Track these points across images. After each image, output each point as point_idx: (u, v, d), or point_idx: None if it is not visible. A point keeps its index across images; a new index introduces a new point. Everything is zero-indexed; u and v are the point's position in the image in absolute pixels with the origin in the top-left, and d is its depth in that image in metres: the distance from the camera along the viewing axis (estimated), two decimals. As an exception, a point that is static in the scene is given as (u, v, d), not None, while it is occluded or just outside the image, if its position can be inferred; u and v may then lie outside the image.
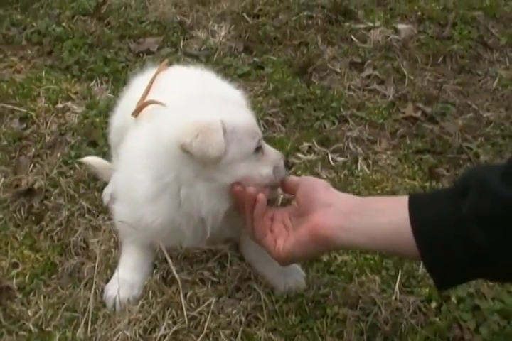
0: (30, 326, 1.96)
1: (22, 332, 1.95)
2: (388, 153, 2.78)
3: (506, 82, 3.38)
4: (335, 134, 2.86)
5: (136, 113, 2.12)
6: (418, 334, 1.99)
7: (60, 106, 2.89)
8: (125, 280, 2.02)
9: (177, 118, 1.88)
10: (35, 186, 2.44)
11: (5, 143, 2.70)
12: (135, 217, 1.95)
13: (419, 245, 1.52)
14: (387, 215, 1.60)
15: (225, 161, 1.83)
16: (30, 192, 2.43)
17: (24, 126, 2.80)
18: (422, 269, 2.17)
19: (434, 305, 2.07)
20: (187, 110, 1.90)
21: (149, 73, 2.34)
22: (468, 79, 3.41)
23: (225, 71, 3.22)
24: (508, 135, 2.94)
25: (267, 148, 1.98)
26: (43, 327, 1.96)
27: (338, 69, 3.33)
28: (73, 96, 2.98)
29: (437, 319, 2.03)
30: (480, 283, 2.11)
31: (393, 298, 2.09)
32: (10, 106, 2.88)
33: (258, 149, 1.91)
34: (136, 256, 2.07)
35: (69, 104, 2.91)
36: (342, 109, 3.00)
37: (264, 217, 1.84)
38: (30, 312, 2.00)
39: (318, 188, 1.79)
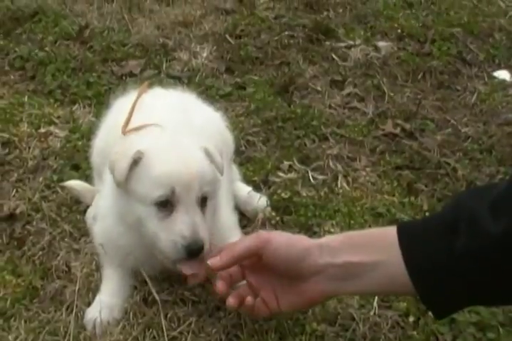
0: (9, 356, 1.97)
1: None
2: (368, 169, 2.82)
3: (484, 97, 3.44)
4: (315, 152, 2.90)
5: (127, 132, 2.09)
6: (398, 348, 2.02)
7: (42, 130, 2.92)
8: (105, 303, 2.04)
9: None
10: (17, 211, 2.46)
11: (-15, 169, 2.72)
12: (108, 238, 2.00)
13: (417, 288, 1.53)
14: (379, 267, 1.57)
15: (127, 193, 1.84)
16: (12, 217, 2.45)
17: (6, 151, 2.81)
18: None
19: (411, 319, 2.10)
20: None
21: (131, 96, 2.37)
22: (447, 94, 3.46)
23: (207, 92, 3.27)
24: (485, 149, 2.97)
25: (186, 217, 1.78)
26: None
27: (319, 88, 3.38)
28: (56, 121, 3.01)
29: (415, 333, 2.06)
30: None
31: (372, 313, 2.12)
32: (-9, 132, 2.91)
33: (164, 206, 1.79)
34: (116, 280, 2.09)
35: (51, 128, 2.94)
36: (322, 127, 3.04)
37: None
38: (10, 338, 2.00)
39: (295, 257, 1.64)
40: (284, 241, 1.66)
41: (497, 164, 2.88)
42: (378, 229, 1.76)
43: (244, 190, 2.55)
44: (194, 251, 1.76)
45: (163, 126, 2.01)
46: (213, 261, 1.66)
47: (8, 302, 2.12)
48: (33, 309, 2.10)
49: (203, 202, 1.83)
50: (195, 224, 1.77)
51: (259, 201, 2.48)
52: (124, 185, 1.82)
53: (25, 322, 2.05)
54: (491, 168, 2.85)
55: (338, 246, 1.62)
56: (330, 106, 3.25)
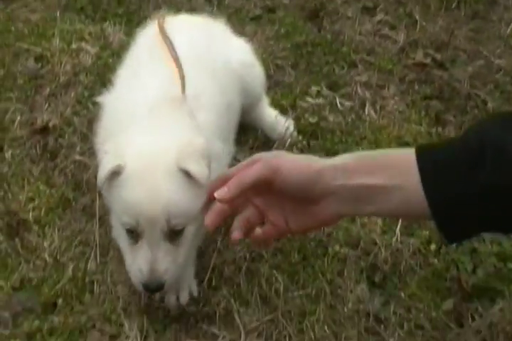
0: (46, 256, 2.06)
1: (38, 262, 2.05)
2: (396, 98, 2.79)
3: (519, 29, 3.36)
4: (344, 79, 2.87)
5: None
6: (416, 274, 2.06)
7: (74, 46, 2.92)
8: None
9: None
10: (50, 124, 2.50)
11: (21, 82, 2.75)
12: None
13: (435, 216, 1.44)
14: (395, 191, 1.46)
15: (106, 194, 1.71)
16: (45, 130, 2.49)
17: (39, 65, 2.84)
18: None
19: (433, 247, 2.13)
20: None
21: (151, 27, 2.20)
22: (481, 25, 3.37)
23: (237, 14, 3.22)
24: (518, 81, 2.94)
25: (147, 250, 1.61)
26: (58, 258, 2.06)
27: (350, 14, 3.31)
28: (87, 37, 3.00)
29: (436, 260, 2.09)
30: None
31: (394, 239, 2.15)
32: (25, 46, 2.92)
33: (131, 234, 1.62)
34: None
35: (83, 44, 2.94)
36: (352, 54, 2.99)
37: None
38: (45, 244, 2.09)
39: (306, 181, 1.50)
40: (294, 166, 1.51)
41: (528, 97, 2.84)
42: (395, 151, 1.66)
43: (271, 114, 2.54)
44: (151, 289, 1.65)
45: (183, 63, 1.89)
46: (221, 193, 1.45)
47: (43, 211, 2.19)
48: (66, 219, 2.17)
49: (174, 234, 1.63)
50: (156, 261, 1.61)
51: (286, 125, 2.47)
52: (105, 191, 1.69)
53: (59, 230, 2.13)
54: (522, 100, 2.82)
55: (353, 168, 1.49)
56: (360, 33, 3.19)
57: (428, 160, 1.50)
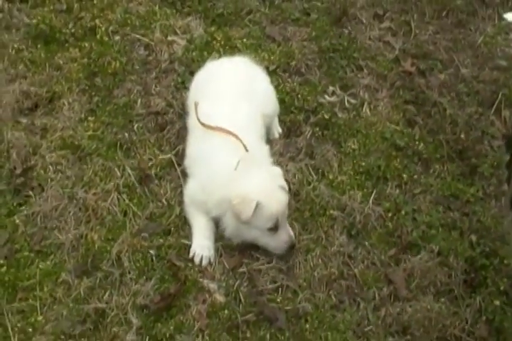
0: (163, 200, 3.38)
1: (158, 204, 3.36)
2: (385, 100, 3.99)
3: (488, 39, 4.43)
4: (352, 81, 4.05)
5: (207, 127, 3.20)
6: (377, 231, 3.40)
7: (169, 38, 4.03)
8: (202, 245, 3.24)
9: (240, 186, 3.01)
10: (159, 108, 3.70)
11: (137, 67, 3.92)
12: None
13: None
14: None
15: (247, 224, 3.02)
16: (156, 112, 3.72)
17: (147, 53, 3.97)
18: (389, 189, 3.57)
19: (390, 214, 3.46)
20: (248, 183, 3.02)
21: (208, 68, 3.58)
22: (460, 34, 4.45)
23: (282, 15, 4.34)
24: (472, 92, 4.09)
25: (284, 230, 3.09)
26: (170, 201, 3.37)
27: (364, 20, 4.40)
28: (178, 31, 4.11)
29: (390, 224, 3.42)
30: (421, 201, 3.51)
31: (367, 207, 3.47)
32: (138, 36, 4.06)
33: (273, 229, 3.04)
34: (204, 225, 3.27)
35: (175, 37, 4.04)
36: (360, 60, 4.15)
37: None
38: (162, 191, 3.41)
39: None
40: None
41: (477, 106, 4.03)
42: None
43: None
44: (294, 245, 3.16)
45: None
46: None
47: (159, 168, 3.50)
48: (173, 175, 3.48)
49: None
50: (291, 232, 3.16)
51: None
52: (244, 222, 3.02)
53: (170, 182, 3.46)
54: (472, 108, 4.00)
55: None
56: (370, 38, 4.31)
57: None
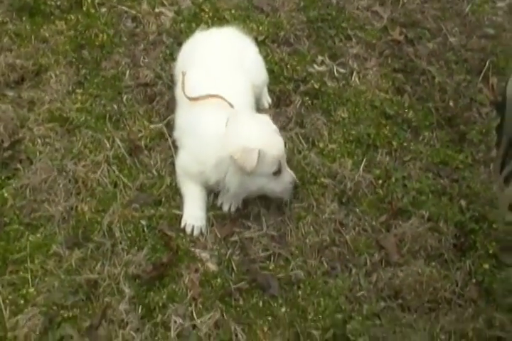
0: (153, 171, 3.38)
1: (149, 174, 3.37)
2: (374, 69, 4.00)
3: (476, 7, 4.45)
4: (341, 50, 4.05)
5: (192, 99, 3.16)
6: (367, 198, 3.42)
7: (157, 10, 4.03)
8: (194, 215, 3.23)
9: (236, 139, 2.98)
10: (148, 79, 3.71)
11: (125, 39, 3.91)
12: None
13: None
14: None
15: (252, 174, 3.01)
16: (145, 83, 3.72)
17: (134, 25, 3.97)
18: (379, 156, 3.58)
19: (380, 181, 3.48)
20: (243, 135, 2.99)
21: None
22: (448, 3, 4.47)
23: (268, -15, 4.32)
24: (460, 60, 4.11)
25: (287, 172, 3.11)
26: (160, 172, 3.38)
27: (353, -13, 4.37)
28: (165, 2, 4.10)
29: (380, 190, 3.44)
30: (411, 168, 3.52)
31: (357, 175, 3.48)
32: (125, 8, 4.05)
33: (277, 173, 3.05)
34: (196, 196, 3.27)
35: (163, 9, 4.04)
36: (349, 29, 4.15)
37: None
38: (152, 162, 3.41)
39: None
40: None
41: (465, 74, 4.05)
42: None
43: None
44: (298, 184, 3.22)
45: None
46: None
47: (148, 139, 3.49)
48: (162, 145, 3.49)
49: None
50: (291, 172, 3.17)
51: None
52: (249, 173, 2.99)
53: (160, 153, 3.46)
54: (460, 76, 4.02)
55: None
56: (357, 8, 4.31)
57: None
